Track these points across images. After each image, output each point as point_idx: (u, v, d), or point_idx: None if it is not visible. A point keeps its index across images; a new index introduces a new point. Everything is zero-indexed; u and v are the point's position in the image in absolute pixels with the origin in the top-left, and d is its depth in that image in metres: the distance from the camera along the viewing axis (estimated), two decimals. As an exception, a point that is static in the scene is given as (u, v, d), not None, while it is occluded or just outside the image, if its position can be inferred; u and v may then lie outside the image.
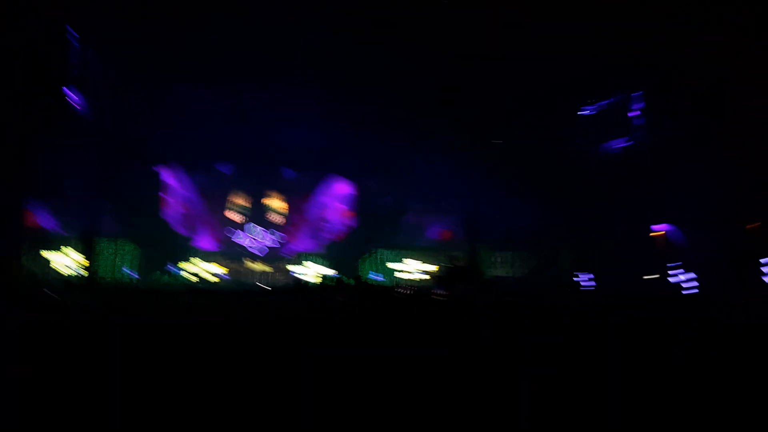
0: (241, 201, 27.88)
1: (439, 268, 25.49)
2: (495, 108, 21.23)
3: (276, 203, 28.14)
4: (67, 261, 23.95)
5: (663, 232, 20.16)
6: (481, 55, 19.01)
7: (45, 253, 23.75)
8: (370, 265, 27.68)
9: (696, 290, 18.26)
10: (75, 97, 18.23)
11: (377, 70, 20.51)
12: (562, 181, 21.76)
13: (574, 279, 22.97)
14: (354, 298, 11.71)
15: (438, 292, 12.13)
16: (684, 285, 18.98)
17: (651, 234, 20.67)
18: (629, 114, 20.45)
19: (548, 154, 22.47)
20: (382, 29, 18.37)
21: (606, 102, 21.51)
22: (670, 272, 19.50)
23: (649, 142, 19.58)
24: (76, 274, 23.29)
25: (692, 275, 18.68)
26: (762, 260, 16.38)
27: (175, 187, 26.96)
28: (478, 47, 18.75)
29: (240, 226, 27.67)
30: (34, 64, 14.89)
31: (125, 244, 25.79)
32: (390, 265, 27.56)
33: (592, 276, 22.26)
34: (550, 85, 19.99)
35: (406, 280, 25.84)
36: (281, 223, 28.11)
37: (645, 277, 20.06)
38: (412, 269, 26.95)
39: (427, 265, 26.83)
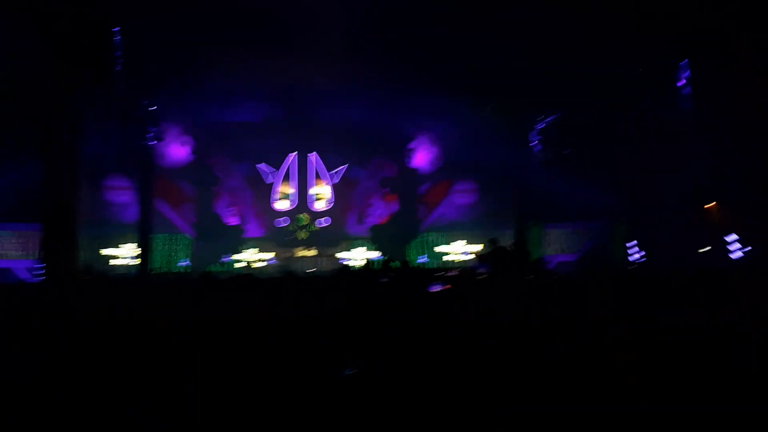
0: (287, 189, 28.23)
1: (483, 248, 25.26)
2: (537, 82, 20.73)
3: (321, 189, 28.38)
4: (123, 254, 24.79)
5: (715, 205, 19.48)
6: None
7: (102, 249, 24.66)
8: (417, 247, 27.70)
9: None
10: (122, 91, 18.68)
11: (413, 47, 20.31)
12: (611, 153, 21.18)
13: (629, 254, 22.44)
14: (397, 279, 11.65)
15: (481, 271, 11.88)
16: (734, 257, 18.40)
17: (704, 207, 20.00)
18: (678, 83, 19.67)
19: (594, 125, 21.84)
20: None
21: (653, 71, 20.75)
22: (724, 245, 18.87)
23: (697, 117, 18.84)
24: (132, 266, 24.05)
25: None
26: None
27: (225, 179, 27.53)
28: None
29: (288, 214, 28.06)
30: (83, 52, 15.04)
31: (180, 236, 26.63)
32: (438, 247, 27.52)
33: (642, 252, 21.71)
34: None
35: (453, 261, 25.72)
36: (328, 209, 28.35)
37: (700, 250, 19.44)
38: (458, 250, 26.81)
39: (474, 245, 26.64)
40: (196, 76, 21.37)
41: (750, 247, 18.01)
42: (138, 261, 22.97)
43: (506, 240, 19.84)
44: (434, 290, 10.47)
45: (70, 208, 13.55)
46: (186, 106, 23.31)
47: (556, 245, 25.22)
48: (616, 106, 21.39)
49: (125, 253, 24.90)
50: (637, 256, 22.00)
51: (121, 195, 25.16)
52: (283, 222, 27.99)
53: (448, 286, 10.30)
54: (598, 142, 21.73)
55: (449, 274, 16.69)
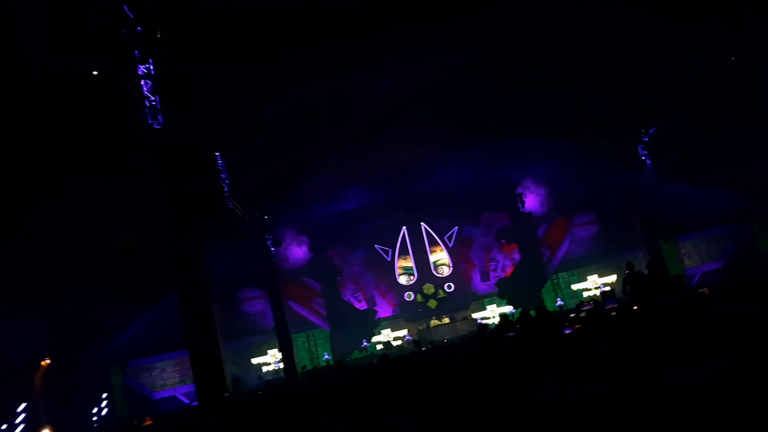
0: (406, 263, 28.48)
1: (617, 277, 24.00)
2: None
3: (439, 255, 28.40)
4: (269, 360, 25.90)
5: None
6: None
7: (251, 358, 25.92)
8: (550, 291, 26.80)
9: None
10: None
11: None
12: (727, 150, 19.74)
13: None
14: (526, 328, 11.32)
15: (610, 306, 11.23)
16: None
17: None
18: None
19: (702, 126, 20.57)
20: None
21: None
22: None
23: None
24: (278, 369, 24.97)
25: None
26: None
27: (345, 267, 28.28)
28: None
29: (412, 287, 28.21)
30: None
31: (317, 331, 27.49)
32: (573, 286, 26.46)
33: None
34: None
35: (590, 298, 24.55)
36: (450, 273, 28.23)
37: None
38: (593, 285, 25.64)
39: (608, 276, 25.39)
40: (303, 181, 22.72)
41: None
42: (282, 364, 23.92)
43: (639, 262, 18.80)
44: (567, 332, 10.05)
45: (209, 330, 14.42)
46: (296, 208, 24.61)
47: (694, 256, 23.56)
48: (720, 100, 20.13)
49: (271, 359, 25.95)
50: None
51: (255, 305, 26.53)
52: (409, 296, 28.13)
53: (577, 326, 9.86)
54: (710, 143, 20.32)
55: (584, 309, 15.99)
